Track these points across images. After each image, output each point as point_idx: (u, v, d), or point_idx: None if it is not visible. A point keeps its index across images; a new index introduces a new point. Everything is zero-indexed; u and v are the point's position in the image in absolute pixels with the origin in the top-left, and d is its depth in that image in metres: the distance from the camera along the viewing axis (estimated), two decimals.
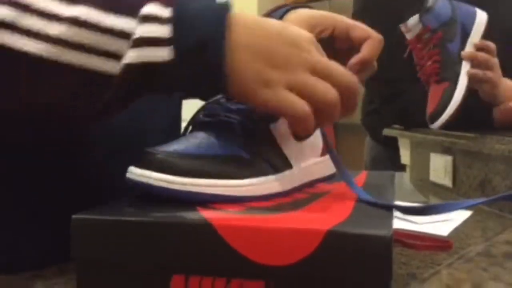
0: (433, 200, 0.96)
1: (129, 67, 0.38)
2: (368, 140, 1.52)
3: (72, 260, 0.36)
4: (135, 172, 0.38)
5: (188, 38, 0.38)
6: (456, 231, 0.71)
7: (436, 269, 0.23)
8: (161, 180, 0.37)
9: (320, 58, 0.41)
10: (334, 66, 0.41)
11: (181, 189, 0.38)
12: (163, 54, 0.37)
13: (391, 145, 1.33)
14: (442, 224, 0.74)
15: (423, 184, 1.12)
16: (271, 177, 0.42)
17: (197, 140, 0.42)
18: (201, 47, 0.37)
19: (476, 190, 0.92)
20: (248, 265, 0.32)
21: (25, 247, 0.55)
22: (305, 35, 0.41)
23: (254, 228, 0.32)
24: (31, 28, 0.38)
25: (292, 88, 0.39)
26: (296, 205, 0.39)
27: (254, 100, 0.39)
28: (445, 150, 1.04)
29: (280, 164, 0.44)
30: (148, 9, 0.38)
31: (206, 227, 0.33)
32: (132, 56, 0.37)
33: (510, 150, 0.79)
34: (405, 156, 1.29)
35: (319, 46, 0.42)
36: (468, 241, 0.66)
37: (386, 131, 1.33)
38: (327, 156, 0.54)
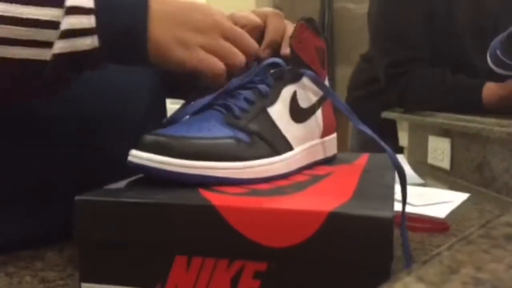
0: (431, 183, 0.96)
1: (59, 56, 0.41)
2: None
3: (74, 241, 0.36)
4: (137, 155, 0.38)
5: (111, 26, 0.42)
6: (453, 213, 0.72)
7: (437, 251, 0.23)
8: (162, 162, 0.37)
9: (231, 25, 0.47)
10: (243, 35, 0.47)
11: (182, 172, 0.38)
12: (88, 42, 0.41)
13: (388, 127, 1.33)
14: (439, 207, 0.75)
15: (421, 166, 1.12)
16: (272, 159, 0.43)
17: (198, 123, 0.42)
18: (124, 34, 0.42)
19: (473, 172, 0.93)
20: (250, 246, 0.32)
21: (24, 227, 0.55)
22: (215, 7, 0.47)
23: (257, 210, 0.32)
24: None
25: (207, 50, 0.45)
26: (297, 187, 0.39)
27: (174, 61, 0.44)
28: (444, 132, 1.04)
29: (281, 146, 0.44)
30: (73, 1, 0.41)
31: (209, 209, 0.33)
32: (60, 47, 0.41)
33: (508, 133, 0.79)
34: (403, 139, 1.29)
35: (227, 17, 0.48)
36: (465, 223, 0.67)
37: (385, 114, 1.33)
38: (327, 138, 0.54)
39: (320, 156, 0.52)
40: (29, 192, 0.54)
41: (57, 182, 0.53)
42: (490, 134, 0.85)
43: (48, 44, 0.41)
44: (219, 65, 0.45)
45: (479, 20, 1.19)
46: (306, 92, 0.49)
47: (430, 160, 1.09)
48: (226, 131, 0.41)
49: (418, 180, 0.95)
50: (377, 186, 0.40)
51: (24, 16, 0.40)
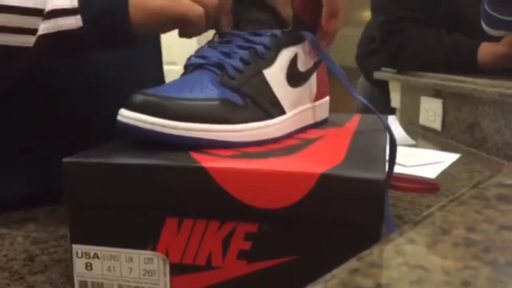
0: (422, 144, 0.97)
1: (44, 37, 0.42)
2: (361, 81, 1.52)
3: (65, 203, 0.36)
4: (126, 115, 0.37)
5: (93, 6, 0.43)
6: (444, 173, 0.72)
7: (428, 211, 0.23)
8: (153, 123, 0.37)
9: None
10: None
11: (173, 133, 0.37)
12: (72, 22, 0.42)
13: (385, 87, 1.33)
14: (430, 167, 0.75)
15: (413, 127, 1.12)
16: (264, 123, 0.42)
17: (190, 83, 0.41)
18: (107, 11, 0.43)
19: (465, 133, 0.93)
20: (241, 208, 0.32)
21: (15, 188, 0.55)
22: None
23: (248, 172, 0.32)
24: None
25: None
26: (289, 150, 0.39)
27: (155, 14, 0.44)
28: (436, 93, 1.04)
29: (274, 110, 0.44)
30: None
31: (199, 170, 0.33)
32: (44, 27, 0.42)
33: (500, 94, 0.79)
34: (395, 99, 1.29)
35: None
36: (456, 184, 0.67)
37: (378, 74, 1.32)
38: (320, 101, 0.54)
39: (312, 120, 0.51)
40: (21, 153, 0.54)
41: (49, 143, 0.53)
42: (482, 95, 0.85)
43: (32, 31, 0.42)
44: (197, 7, 0.45)
45: None
46: (305, 55, 0.48)
47: (422, 121, 1.10)
48: (218, 93, 0.40)
49: (410, 141, 0.95)
50: (369, 148, 0.40)
51: (10, 4, 0.41)
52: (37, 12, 0.41)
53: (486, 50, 1.08)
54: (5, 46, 0.42)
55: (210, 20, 0.47)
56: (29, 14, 0.41)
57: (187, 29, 0.46)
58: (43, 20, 0.41)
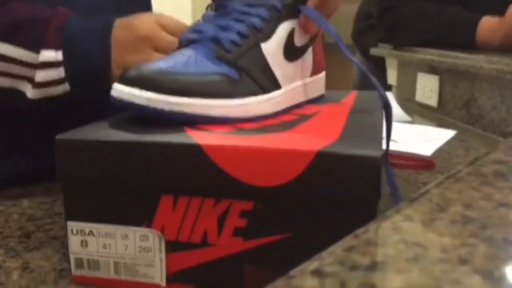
0: (418, 120, 0.96)
1: (33, 101, 0.49)
2: (357, 57, 1.50)
3: (59, 180, 0.36)
4: (120, 89, 0.37)
5: (78, 75, 0.49)
6: (440, 150, 0.72)
7: (425, 188, 0.23)
8: (147, 98, 0.36)
9: (159, 34, 0.52)
10: (168, 39, 0.52)
11: (167, 108, 0.36)
12: (60, 90, 0.49)
13: (381, 63, 1.32)
14: (426, 144, 0.75)
15: (409, 104, 1.12)
16: (260, 98, 0.41)
17: (185, 58, 0.40)
18: (90, 77, 0.50)
19: (461, 109, 0.93)
20: (237, 185, 0.32)
21: (10, 164, 0.54)
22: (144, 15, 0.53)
23: (243, 149, 0.32)
24: None
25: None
26: (285, 127, 0.38)
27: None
28: (432, 69, 1.03)
29: (269, 84, 0.43)
30: (45, 56, 0.48)
31: (195, 148, 0.32)
32: (35, 94, 0.49)
33: (497, 70, 0.78)
34: (391, 76, 1.28)
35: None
36: (451, 161, 0.67)
37: (374, 51, 1.31)
38: (316, 77, 0.53)
39: (308, 96, 0.51)
40: (15, 129, 0.53)
41: (44, 120, 0.52)
42: (479, 71, 0.84)
43: (28, 79, 0.48)
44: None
45: None
46: (302, 30, 0.47)
47: (418, 97, 1.09)
48: (214, 67, 0.40)
49: (406, 117, 0.95)
50: (365, 125, 0.40)
51: (5, 54, 0.47)
52: (32, 65, 0.48)
53: (487, 25, 1.05)
54: (10, 90, 0.49)
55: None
56: (25, 65, 0.48)
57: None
58: (33, 87, 0.48)
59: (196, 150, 0.32)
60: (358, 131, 0.37)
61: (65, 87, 0.49)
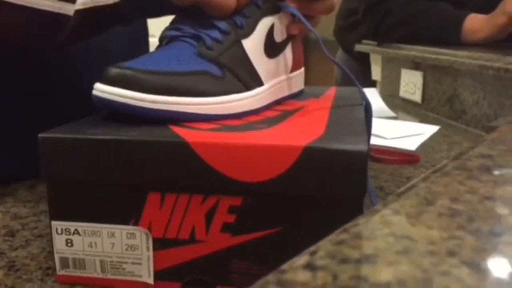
0: (402, 116, 0.97)
1: (80, 12, 0.42)
2: (340, 54, 1.51)
3: (43, 179, 0.35)
4: (102, 89, 0.36)
5: None
6: (424, 145, 0.73)
7: (412, 182, 0.23)
8: (130, 97, 0.36)
9: None
10: None
11: (151, 107, 0.36)
12: None
13: (364, 60, 1.32)
14: (410, 139, 0.76)
15: (393, 100, 1.13)
16: (242, 95, 0.41)
17: (167, 56, 0.40)
18: None
19: (444, 105, 0.94)
20: (225, 182, 0.32)
21: None
22: None
23: (231, 145, 0.32)
24: None
25: None
26: (269, 123, 0.38)
27: None
28: (416, 65, 1.04)
29: (252, 81, 0.43)
30: None
31: (181, 144, 0.32)
32: (82, 1, 0.42)
33: (480, 65, 0.79)
34: (376, 72, 1.29)
35: None
36: (435, 155, 0.68)
37: (359, 47, 1.32)
38: (296, 73, 0.53)
39: (289, 91, 0.51)
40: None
41: (28, 118, 0.51)
42: (461, 67, 0.85)
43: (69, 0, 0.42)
44: None
45: None
46: (282, 25, 0.47)
47: (402, 93, 1.10)
48: (196, 65, 0.40)
49: (390, 113, 0.95)
50: (348, 120, 0.40)
51: None
52: None
53: (473, 22, 1.07)
54: (50, 13, 0.41)
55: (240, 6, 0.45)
56: None
57: (215, 13, 0.43)
58: None
59: (184, 147, 0.32)
60: (342, 126, 0.37)
61: None
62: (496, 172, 0.24)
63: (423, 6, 1.12)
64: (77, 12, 0.42)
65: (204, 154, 0.32)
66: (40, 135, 0.34)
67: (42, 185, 0.53)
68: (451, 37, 1.07)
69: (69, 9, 0.42)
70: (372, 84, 1.29)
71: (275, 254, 0.33)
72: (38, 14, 0.41)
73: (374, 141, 0.74)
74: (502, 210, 0.20)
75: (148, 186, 0.34)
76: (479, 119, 0.83)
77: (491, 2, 1.05)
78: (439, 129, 0.83)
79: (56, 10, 0.42)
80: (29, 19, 0.42)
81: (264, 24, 0.45)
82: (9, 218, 0.46)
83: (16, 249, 0.40)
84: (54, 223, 0.35)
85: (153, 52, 0.42)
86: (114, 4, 0.43)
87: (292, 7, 0.46)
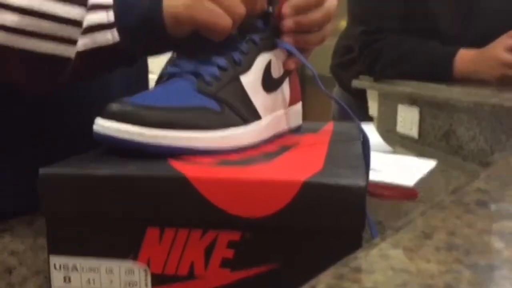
0: (400, 151, 0.98)
1: (81, 53, 0.43)
2: (337, 90, 1.53)
3: (42, 214, 0.35)
4: (103, 124, 0.37)
5: (128, 19, 0.43)
6: (422, 180, 0.73)
7: (410, 217, 0.24)
8: (130, 132, 0.36)
9: None
10: None
11: (151, 142, 0.37)
12: (108, 37, 0.43)
13: (361, 96, 1.34)
14: (408, 174, 0.76)
15: (390, 135, 1.14)
16: (241, 129, 0.42)
17: (166, 91, 0.41)
18: (142, 24, 0.43)
19: (441, 140, 0.95)
20: (224, 217, 0.32)
21: None
22: None
23: (230, 180, 0.32)
24: None
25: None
26: (268, 157, 0.39)
27: (185, 19, 0.43)
28: (413, 101, 1.06)
29: (250, 115, 0.44)
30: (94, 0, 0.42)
31: (180, 180, 0.33)
32: (82, 43, 0.42)
33: (475, 102, 0.80)
34: (373, 108, 1.30)
35: None
36: (433, 190, 0.68)
37: (356, 83, 1.34)
38: (294, 107, 0.54)
39: (287, 126, 0.52)
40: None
41: (26, 154, 0.52)
42: (457, 103, 0.87)
43: (72, 42, 0.42)
44: (226, 17, 0.43)
45: None
46: (279, 61, 0.48)
47: (399, 128, 1.11)
48: (196, 100, 0.40)
49: (388, 148, 0.96)
50: (346, 154, 0.40)
51: (48, 12, 0.41)
52: (77, 23, 0.42)
53: (464, 57, 1.09)
54: (51, 56, 0.42)
55: (235, 27, 0.46)
56: (70, 24, 0.41)
57: (212, 36, 0.44)
58: (81, 34, 0.42)
59: (184, 182, 0.32)
60: (340, 160, 0.38)
61: (114, 35, 0.43)
62: (493, 207, 0.25)
63: (414, 45, 1.14)
64: (78, 53, 0.43)
65: (203, 189, 0.32)
66: (41, 171, 0.34)
67: (40, 221, 0.53)
68: (443, 73, 1.09)
69: (70, 51, 0.42)
70: (369, 120, 1.30)
71: None
72: (39, 58, 0.42)
73: (372, 176, 0.74)
74: (498, 244, 0.20)
75: (147, 221, 0.34)
76: (476, 154, 0.84)
77: (481, 40, 1.08)
78: (437, 164, 0.84)
79: (57, 53, 0.42)
80: (30, 63, 0.42)
81: (261, 60, 0.46)
82: (6, 255, 0.46)
83: (13, 286, 0.40)
84: (53, 259, 0.35)
85: (153, 89, 0.43)
86: (114, 44, 0.43)
87: (288, 44, 0.48)
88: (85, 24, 0.42)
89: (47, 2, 0.41)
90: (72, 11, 0.41)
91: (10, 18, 0.40)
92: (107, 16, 0.42)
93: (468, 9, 1.15)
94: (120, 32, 0.43)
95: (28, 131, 0.52)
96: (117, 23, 0.43)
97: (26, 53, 0.41)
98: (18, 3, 0.40)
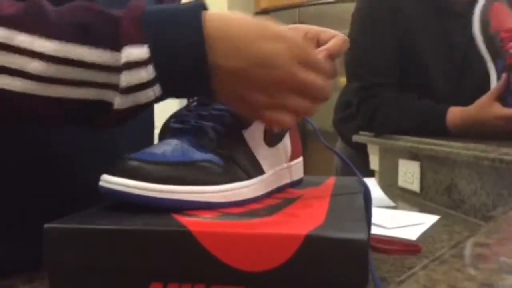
0: (402, 205, 0.98)
1: (121, 113, 0.41)
2: (339, 144, 1.55)
3: (45, 269, 0.35)
4: (109, 180, 0.38)
5: (171, 72, 0.40)
6: (425, 235, 0.73)
7: (412, 271, 0.24)
8: (135, 187, 0.37)
9: (302, 75, 0.41)
10: (313, 84, 0.42)
11: (156, 196, 0.37)
12: (151, 94, 0.40)
13: (362, 150, 1.35)
14: (410, 229, 0.76)
15: (392, 189, 1.14)
16: (244, 183, 0.43)
17: (170, 147, 0.42)
18: (185, 78, 0.40)
19: (442, 194, 0.95)
20: (227, 271, 0.32)
21: None
22: (281, 48, 0.41)
23: (234, 234, 0.32)
24: (10, 66, 0.38)
25: (273, 109, 0.42)
26: (270, 211, 0.39)
27: (235, 110, 0.44)
28: (413, 156, 1.06)
29: (253, 169, 0.45)
30: (127, 53, 0.39)
31: (184, 234, 0.33)
32: (122, 102, 0.40)
33: (476, 156, 0.81)
34: (374, 162, 1.31)
35: (301, 43, 0.43)
36: (436, 245, 0.68)
37: (356, 138, 1.35)
38: (295, 161, 0.55)
39: (288, 180, 0.53)
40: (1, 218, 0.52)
41: (28, 209, 0.52)
42: (457, 158, 0.87)
43: (114, 86, 0.40)
44: (287, 120, 0.42)
45: (446, 52, 1.24)
46: None
47: (401, 183, 1.11)
48: (200, 155, 0.41)
49: (389, 202, 0.96)
50: (347, 208, 0.41)
51: (80, 59, 0.39)
52: (111, 68, 0.39)
53: (454, 115, 1.13)
54: (96, 102, 0.40)
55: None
56: (103, 70, 0.39)
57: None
58: (120, 93, 0.40)
59: (187, 236, 0.33)
60: (342, 214, 0.38)
61: (156, 91, 0.40)
62: (493, 260, 0.25)
63: (409, 102, 1.18)
64: (116, 110, 0.41)
65: (206, 243, 0.32)
66: (46, 225, 0.35)
67: (39, 279, 0.52)
68: (437, 129, 1.12)
69: (109, 95, 0.40)
70: (371, 173, 1.31)
71: None
72: (77, 104, 0.40)
73: (374, 230, 0.74)
74: None
75: (151, 275, 0.34)
76: (478, 209, 0.84)
77: (473, 97, 1.11)
78: (439, 218, 0.84)
79: (98, 98, 0.40)
80: (68, 110, 0.41)
81: None
82: None
83: None
84: None
85: (157, 144, 0.44)
86: (156, 99, 0.41)
87: None
88: (124, 85, 0.39)
89: (76, 48, 0.39)
90: (102, 56, 0.39)
91: (35, 66, 0.38)
92: (147, 74, 0.39)
93: (461, 69, 1.20)
94: (162, 87, 0.40)
95: (29, 185, 0.52)
96: (159, 80, 0.40)
97: (56, 100, 0.40)
98: (44, 49, 0.38)
